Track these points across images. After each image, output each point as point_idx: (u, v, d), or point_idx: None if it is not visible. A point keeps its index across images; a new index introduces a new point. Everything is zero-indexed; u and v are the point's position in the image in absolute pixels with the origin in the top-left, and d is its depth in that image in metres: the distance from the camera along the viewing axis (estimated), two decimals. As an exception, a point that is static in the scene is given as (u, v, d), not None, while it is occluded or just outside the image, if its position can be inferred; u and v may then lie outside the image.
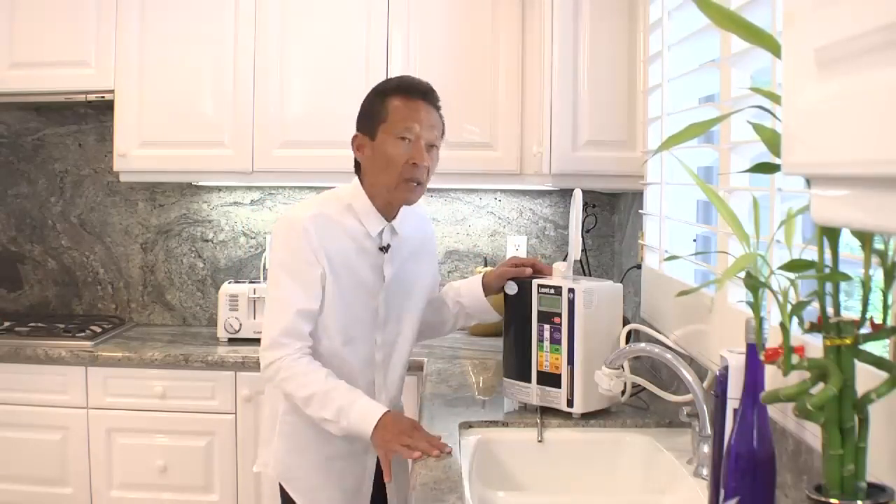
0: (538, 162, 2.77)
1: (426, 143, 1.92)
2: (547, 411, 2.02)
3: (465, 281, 2.20)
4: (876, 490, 1.04)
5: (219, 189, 3.49)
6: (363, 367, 2.00)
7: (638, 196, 2.76)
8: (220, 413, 2.93)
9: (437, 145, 1.97)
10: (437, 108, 1.98)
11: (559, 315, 1.97)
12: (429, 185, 2.77)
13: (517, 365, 2.07)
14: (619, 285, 2.10)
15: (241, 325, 3.13)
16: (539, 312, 2.01)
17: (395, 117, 1.91)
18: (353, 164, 2.04)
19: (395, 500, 2.06)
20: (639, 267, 2.71)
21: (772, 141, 1.07)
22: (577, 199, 1.99)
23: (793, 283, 1.08)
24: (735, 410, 1.31)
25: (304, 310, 1.89)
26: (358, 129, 1.99)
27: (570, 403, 1.97)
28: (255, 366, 2.87)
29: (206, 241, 3.52)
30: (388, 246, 2.00)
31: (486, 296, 2.14)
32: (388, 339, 2.04)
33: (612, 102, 2.67)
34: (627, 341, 2.05)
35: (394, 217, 2.00)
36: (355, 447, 1.98)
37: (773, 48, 0.97)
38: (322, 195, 2.05)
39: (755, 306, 1.19)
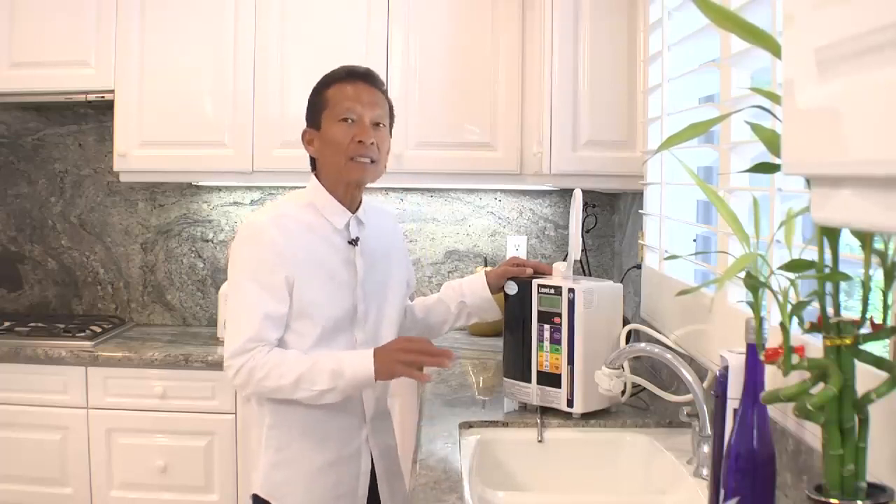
0: (538, 162, 2.77)
1: (371, 122, 1.91)
2: (547, 411, 2.02)
3: (466, 280, 2.17)
4: (876, 490, 1.04)
5: (219, 189, 3.49)
6: None
7: (638, 196, 2.76)
8: (220, 413, 2.93)
9: (385, 124, 1.96)
10: (381, 90, 1.97)
11: (559, 315, 1.97)
12: (429, 185, 2.77)
13: (517, 365, 2.07)
14: (619, 285, 2.10)
15: (241, 325, 3.12)
16: (539, 312, 2.01)
17: (334, 101, 1.92)
18: None
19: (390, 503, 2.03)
20: (639, 267, 2.71)
21: (771, 141, 1.07)
22: (577, 199, 1.99)
23: (793, 283, 1.08)
24: (735, 410, 1.30)
25: (271, 314, 1.83)
26: (307, 125, 1.98)
27: (570, 403, 1.97)
28: (255, 366, 2.88)
29: (206, 241, 3.52)
30: (357, 238, 1.96)
31: None
32: (368, 337, 1.97)
33: (612, 102, 2.67)
34: (627, 341, 2.05)
35: (357, 208, 1.98)
36: (347, 451, 1.93)
37: (773, 48, 0.97)
38: (281, 198, 2.05)
39: (755, 306, 1.19)
